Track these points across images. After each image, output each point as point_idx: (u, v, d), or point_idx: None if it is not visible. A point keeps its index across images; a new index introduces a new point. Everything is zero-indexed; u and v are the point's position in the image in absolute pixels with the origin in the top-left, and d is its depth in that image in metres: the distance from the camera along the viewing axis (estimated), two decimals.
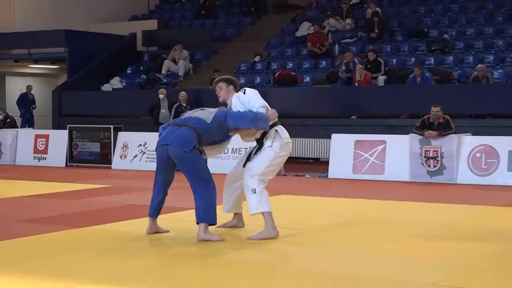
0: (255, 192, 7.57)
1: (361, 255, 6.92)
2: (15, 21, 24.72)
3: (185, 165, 7.51)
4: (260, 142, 7.76)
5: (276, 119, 7.80)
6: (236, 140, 14.63)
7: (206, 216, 7.48)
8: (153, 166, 16.52)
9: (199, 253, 7.08)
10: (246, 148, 15.47)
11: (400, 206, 10.58)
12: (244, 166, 7.78)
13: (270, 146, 7.67)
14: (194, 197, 7.56)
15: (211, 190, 7.53)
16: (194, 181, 7.52)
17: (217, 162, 15.34)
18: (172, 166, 7.71)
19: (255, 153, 7.75)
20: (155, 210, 7.88)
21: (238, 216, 8.27)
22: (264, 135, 7.73)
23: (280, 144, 7.70)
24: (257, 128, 7.62)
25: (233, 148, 15.39)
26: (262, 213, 7.61)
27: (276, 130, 7.75)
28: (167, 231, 7.98)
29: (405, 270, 6.32)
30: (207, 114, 7.67)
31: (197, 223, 7.52)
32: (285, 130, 7.85)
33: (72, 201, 10.99)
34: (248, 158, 7.78)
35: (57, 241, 7.69)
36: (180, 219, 8.91)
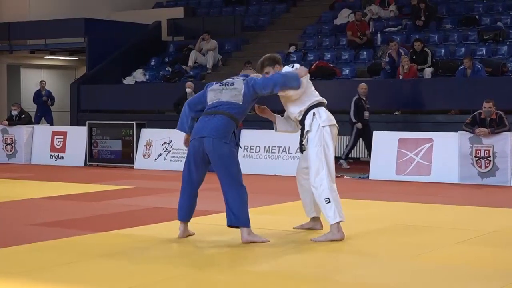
0: (329, 201, 7.73)
1: (403, 264, 6.88)
2: (30, 9, 24.95)
3: (220, 161, 7.55)
4: (302, 123, 7.91)
5: (305, 79, 7.84)
6: (268, 139, 14.54)
7: (239, 219, 7.55)
8: (179, 166, 16.57)
9: (237, 261, 7.09)
10: (280, 147, 15.65)
11: (448, 210, 10.51)
12: (301, 152, 7.98)
13: (308, 131, 7.81)
14: (225, 197, 7.60)
15: (244, 192, 7.61)
16: (227, 181, 7.57)
17: (249, 162, 15.38)
18: (207, 163, 7.74)
19: (305, 146, 7.88)
20: (189, 213, 7.88)
21: (317, 219, 8.37)
22: (303, 117, 7.87)
23: (320, 129, 7.81)
24: (287, 87, 7.72)
25: (265, 147, 15.39)
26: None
27: (314, 113, 7.86)
28: (194, 233, 8.02)
29: (454, 281, 6.26)
30: (236, 94, 7.69)
31: (230, 226, 7.60)
32: (324, 113, 7.91)
33: (91, 204, 11.06)
34: (301, 142, 7.93)
35: (75, 246, 7.74)
36: (209, 224, 8.92)
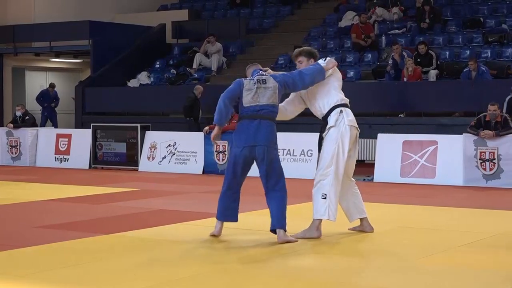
0: (325, 197, 7.92)
1: (407, 266, 6.88)
2: (35, 12, 25.00)
3: (270, 166, 7.78)
4: (324, 120, 8.05)
5: (331, 70, 8.09)
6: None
7: (281, 222, 7.78)
8: (183, 169, 16.62)
9: (246, 259, 7.12)
10: (284, 149, 15.61)
11: (452, 212, 10.50)
12: (319, 150, 8.14)
13: (332, 126, 7.95)
14: (271, 201, 7.82)
15: (286, 196, 7.86)
16: (274, 185, 7.81)
17: (253, 165, 15.38)
18: (250, 167, 7.93)
19: (323, 139, 8.05)
20: (234, 213, 8.04)
21: (364, 220, 8.51)
22: (328, 114, 8.03)
23: (342, 127, 7.98)
24: (315, 82, 7.97)
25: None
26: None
27: (341, 111, 8.01)
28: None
29: (458, 283, 6.27)
30: (272, 94, 7.86)
31: (272, 230, 7.81)
32: (350, 114, 8.09)
33: (96, 206, 11.08)
34: (321, 140, 8.11)
35: (79, 248, 7.76)
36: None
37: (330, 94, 8.08)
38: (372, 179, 14.57)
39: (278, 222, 7.79)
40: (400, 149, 14.37)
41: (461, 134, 13.91)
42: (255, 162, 7.91)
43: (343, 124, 7.97)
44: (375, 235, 8.46)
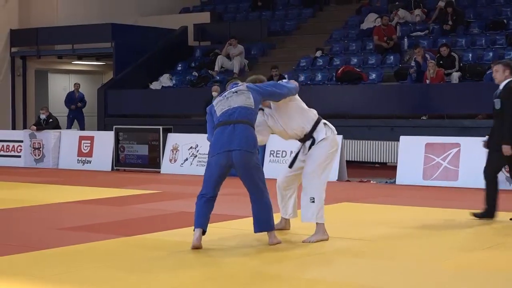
0: (313, 201, 7.99)
1: (426, 268, 6.86)
2: (58, 15, 25.14)
3: (248, 172, 7.64)
4: (310, 137, 8.12)
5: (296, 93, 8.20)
6: (295, 143, 14.60)
7: (269, 225, 7.74)
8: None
9: (250, 264, 7.12)
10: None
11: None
12: (290, 167, 8.25)
13: (324, 138, 8.07)
14: (253, 206, 7.72)
15: (269, 198, 7.74)
16: (254, 190, 7.70)
17: (275, 167, 15.38)
18: (227, 175, 7.78)
19: (308, 150, 8.11)
20: (208, 223, 7.82)
21: (286, 219, 8.64)
22: (312, 130, 8.11)
23: (333, 136, 8.17)
24: (288, 95, 7.95)
25: (292, 152, 15.37)
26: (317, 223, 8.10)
27: (325, 123, 8.20)
28: None
29: (476, 286, 6.24)
30: (245, 98, 7.74)
31: (258, 232, 7.76)
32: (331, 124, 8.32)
33: (118, 208, 11.12)
34: (296, 158, 8.21)
35: (102, 250, 7.80)
36: (229, 228, 8.95)
37: (306, 111, 8.19)
38: (395, 181, 14.53)
39: (268, 226, 7.73)
40: (422, 151, 14.32)
41: (484, 136, 13.81)
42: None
43: (333, 134, 8.15)
44: (393, 238, 8.43)
